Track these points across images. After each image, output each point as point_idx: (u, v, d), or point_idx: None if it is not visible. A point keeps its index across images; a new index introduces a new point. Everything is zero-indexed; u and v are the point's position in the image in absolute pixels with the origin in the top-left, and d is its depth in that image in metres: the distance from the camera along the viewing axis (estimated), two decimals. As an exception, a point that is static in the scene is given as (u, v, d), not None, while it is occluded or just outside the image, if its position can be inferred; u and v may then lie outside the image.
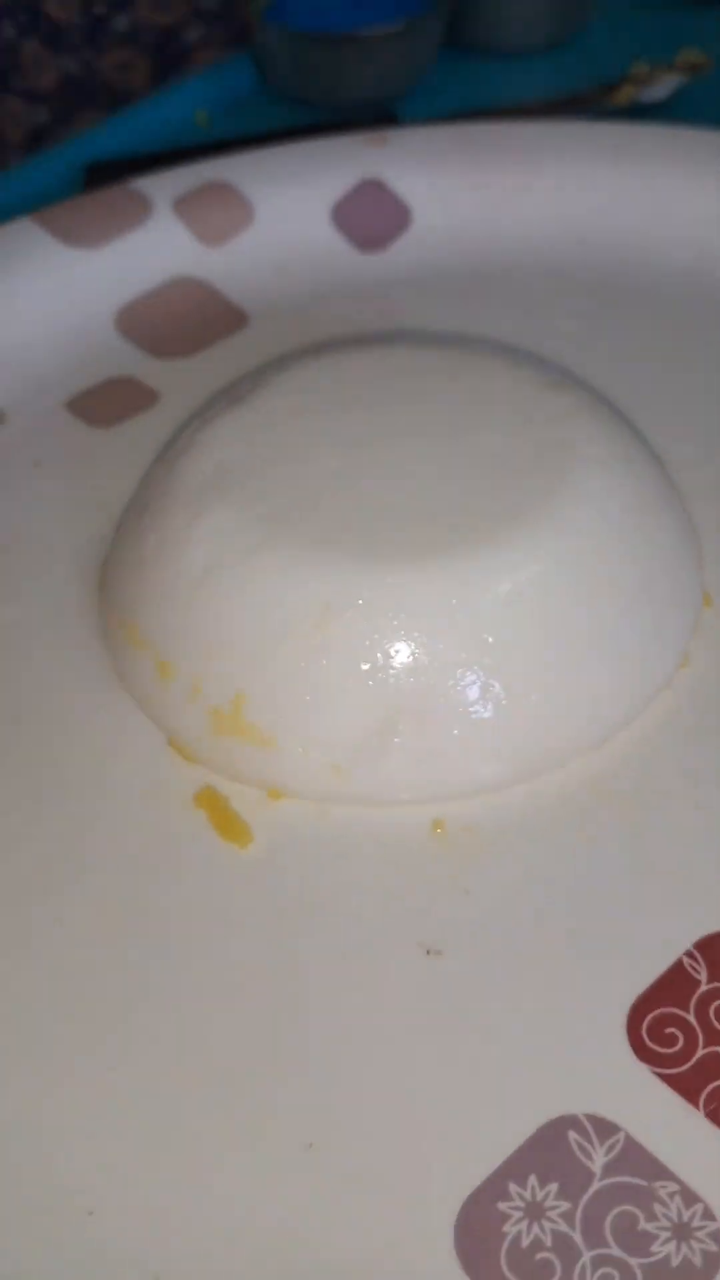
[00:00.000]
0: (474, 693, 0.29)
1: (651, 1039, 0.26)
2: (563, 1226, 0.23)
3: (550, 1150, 0.24)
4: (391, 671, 0.29)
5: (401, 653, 0.29)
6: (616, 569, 0.31)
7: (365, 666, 0.29)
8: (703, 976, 0.26)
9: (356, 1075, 0.26)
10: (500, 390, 0.34)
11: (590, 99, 0.58)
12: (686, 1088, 0.25)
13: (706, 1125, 0.25)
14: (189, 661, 0.31)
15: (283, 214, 0.48)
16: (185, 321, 0.45)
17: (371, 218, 0.48)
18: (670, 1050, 0.26)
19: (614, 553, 0.31)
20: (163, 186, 0.48)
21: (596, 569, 0.30)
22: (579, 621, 0.30)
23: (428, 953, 0.27)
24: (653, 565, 0.32)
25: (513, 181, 0.48)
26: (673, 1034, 0.26)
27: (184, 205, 0.48)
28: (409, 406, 0.33)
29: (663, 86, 0.57)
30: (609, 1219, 0.23)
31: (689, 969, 0.27)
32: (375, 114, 0.58)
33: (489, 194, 0.48)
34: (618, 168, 0.48)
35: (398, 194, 0.48)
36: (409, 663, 0.29)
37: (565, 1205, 0.24)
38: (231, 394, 0.35)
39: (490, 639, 0.29)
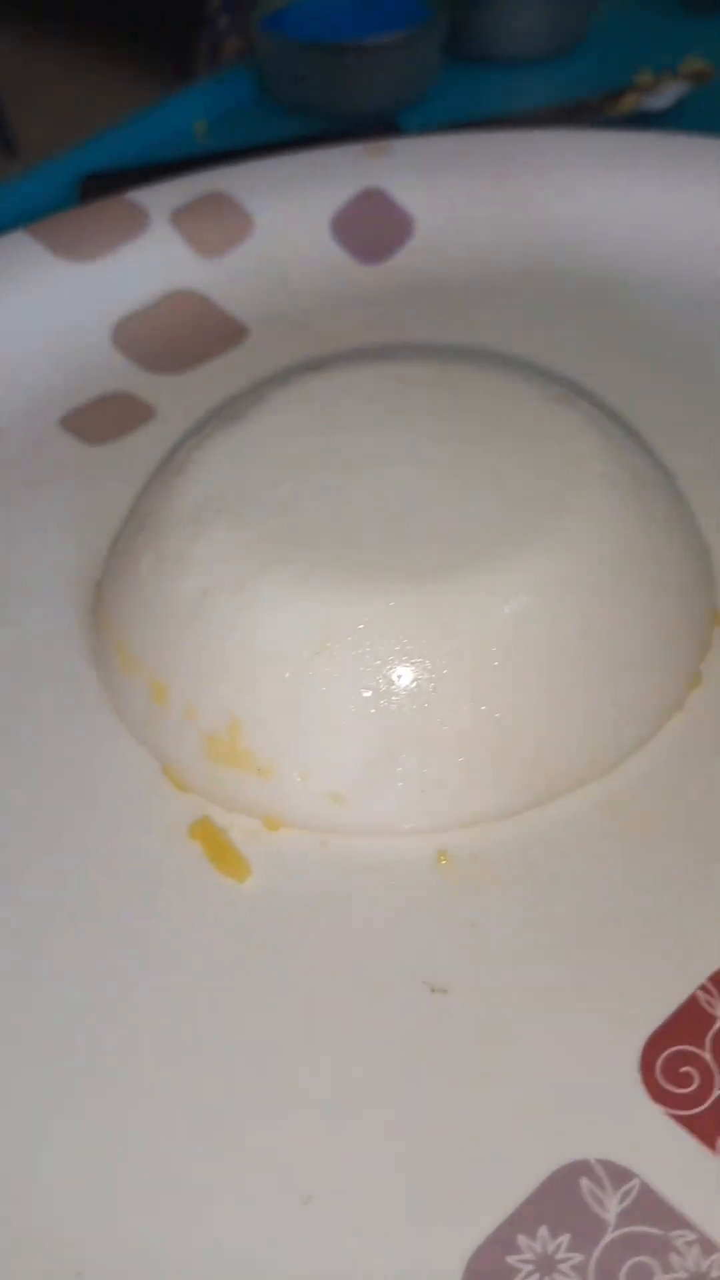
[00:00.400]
0: (478, 719, 0.28)
1: (666, 1079, 0.25)
2: (575, 1281, 0.22)
3: (561, 1198, 0.23)
4: (393, 698, 0.28)
5: (403, 678, 0.28)
6: (625, 588, 0.30)
7: (366, 693, 0.28)
8: (719, 1011, 0.25)
9: (357, 1122, 0.24)
10: (504, 405, 0.33)
11: (594, 108, 0.57)
12: (703, 1130, 0.24)
13: (724, 1171, 0.23)
14: (184, 686, 0.30)
15: (282, 225, 0.47)
16: (182, 336, 0.44)
17: (372, 228, 0.47)
18: (686, 1090, 0.24)
19: (622, 572, 0.30)
20: (159, 198, 0.47)
21: (604, 589, 0.29)
22: (586, 643, 0.29)
23: (432, 990, 0.26)
24: (663, 583, 0.31)
25: (515, 191, 0.47)
26: (688, 1073, 0.25)
27: (181, 217, 0.47)
28: (411, 423, 0.32)
29: (666, 95, 0.56)
30: (623, 1271, 0.22)
31: (704, 1004, 0.25)
32: (377, 124, 0.57)
33: (492, 204, 0.47)
34: (621, 176, 0.46)
35: (399, 204, 0.47)
36: (411, 688, 0.28)
37: (578, 1257, 0.22)
38: (229, 411, 0.34)
39: (495, 663, 0.28)
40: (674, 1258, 0.22)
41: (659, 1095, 0.24)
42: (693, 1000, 0.25)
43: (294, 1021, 0.26)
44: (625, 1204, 0.23)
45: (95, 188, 0.53)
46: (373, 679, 0.28)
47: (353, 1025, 0.26)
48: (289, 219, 0.47)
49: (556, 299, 0.45)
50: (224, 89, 0.61)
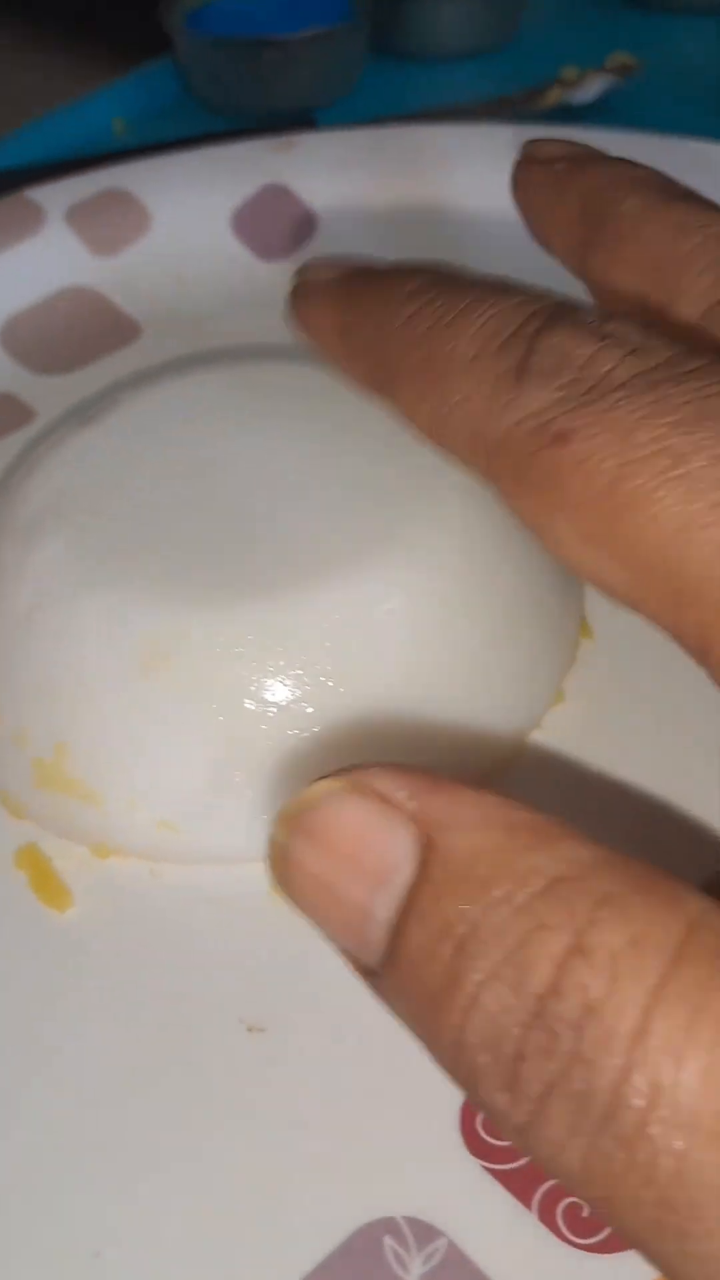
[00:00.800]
0: (313, 741, 0.26)
1: (487, 1130, 0.23)
2: None
3: (362, 1259, 0.21)
4: (223, 719, 0.26)
5: (235, 698, 0.26)
6: (480, 601, 0.28)
7: (195, 714, 0.26)
8: (548, 1057, 0.23)
9: (157, 1171, 0.23)
10: (372, 411, 0.31)
11: (517, 103, 0.55)
12: (520, 1187, 0.22)
13: (538, 1229, 0.22)
14: (13, 708, 0.28)
15: (181, 221, 0.45)
16: (73, 335, 0.43)
17: (274, 225, 0.46)
18: (506, 1143, 0.23)
19: (478, 584, 0.28)
20: (56, 195, 0.45)
21: (456, 602, 0.28)
22: (435, 660, 0.27)
23: (250, 1030, 0.24)
24: (524, 596, 0.29)
25: (420, 187, 0.45)
26: (509, 1124, 0.23)
27: (77, 214, 0.45)
28: (270, 427, 0.30)
29: (591, 89, 0.54)
30: (422, 1339, 0.21)
31: (533, 1048, 0.24)
32: (296, 121, 0.55)
33: (396, 200, 0.45)
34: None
35: (302, 200, 0.46)
36: (243, 709, 0.26)
37: (373, 1325, 0.21)
38: (82, 413, 0.32)
39: (330, 683, 0.26)
40: (478, 1324, 0.21)
41: (477, 1148, 0.23)
42: (521, 1043, 0.24)
43: (101, 1062, 0.24)
44: (430, 1265, 0.21)
45: (4, 185, 0.52)
46: (202, 700, 0.26)
47: (164, 1066, 0.24)
48: (189, 215, 0.45)
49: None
50: (145, 86, 0.59)
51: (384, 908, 0.14)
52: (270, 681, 0.26)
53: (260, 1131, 0.23)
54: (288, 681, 0.26)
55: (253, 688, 0.26)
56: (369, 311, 0.20)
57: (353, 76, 0.57)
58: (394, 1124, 0.23)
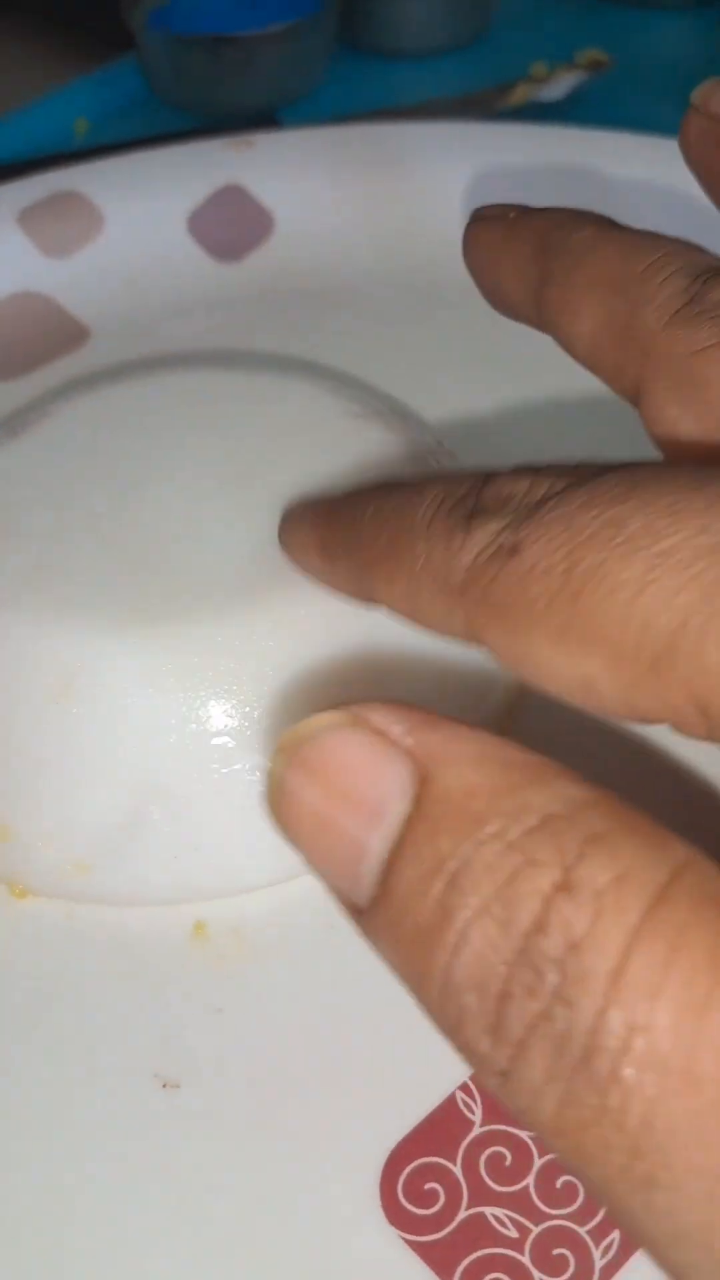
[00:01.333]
0: (242, 772, 0.24)
1: (408, 1197, 0.21)
2: None
3: (270, 1343, 0.20)
4: (142, 751, 0.24)
5: (151, 730, 0.24)
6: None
7: (110, 747, 0.24)
8: (477, 1116, 0.22)
9: (52, 1242, 0.21)
10: (308, 422, 0.29)
11: (485, 100, 0.53)
12: (440, 1259, 0.20)
13: (461, 1309, 0.20)
14: None
15: (135, 223, 0.43)
16: (20, 339, 0.41)
17: (230, 226, 0.44)
18: (427, 1211, 0.21)
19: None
20: (7, 197, 0.43)
21: (391, 628, 0.26)
22: (362, 689, 0.25)
23: (164, 1085, 0.23)
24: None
25: (379, 187, 0.43)
26: (433, 1190, 0.21)
27: (29, 216, 0.43)
28: (200, 440, 0.29)
29: (560, 86, 0.52)
30: None
31: (462, 1107, 0.22)
32: (259, 121, 0.53)
33: (355, 200, 0.43)
34: (491, 169, 0.43)
35: (259, 200, 0.44)
36: (161, 742, 0.24)
37: None
38: (9, 424, 0.30)
39: (255, 713, 0.24)
40: None
41: (397, 1217, 0.21)
42: (450, 1103, 0.22)
43: (2, 1115, 0.22)
44: (343, 1349, 0.19)
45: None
46: (119, 732, 0.24)
47: (71, 1123, 0.22)
48: (143, 216, 0.43)
49: (418, 299, 0.41)
50: (108, 85, 0.57)
51: (377, 843, 0.14)
52: (191, 712, 0.24)
53: (169, 1195, 0.21)
54: (210, 713, 0.24)
55: (171, 719, 0.24)
56: (342, 521, 0.21)
57: (318, 73, 0.55)
58: (310, 1191, 0.21)
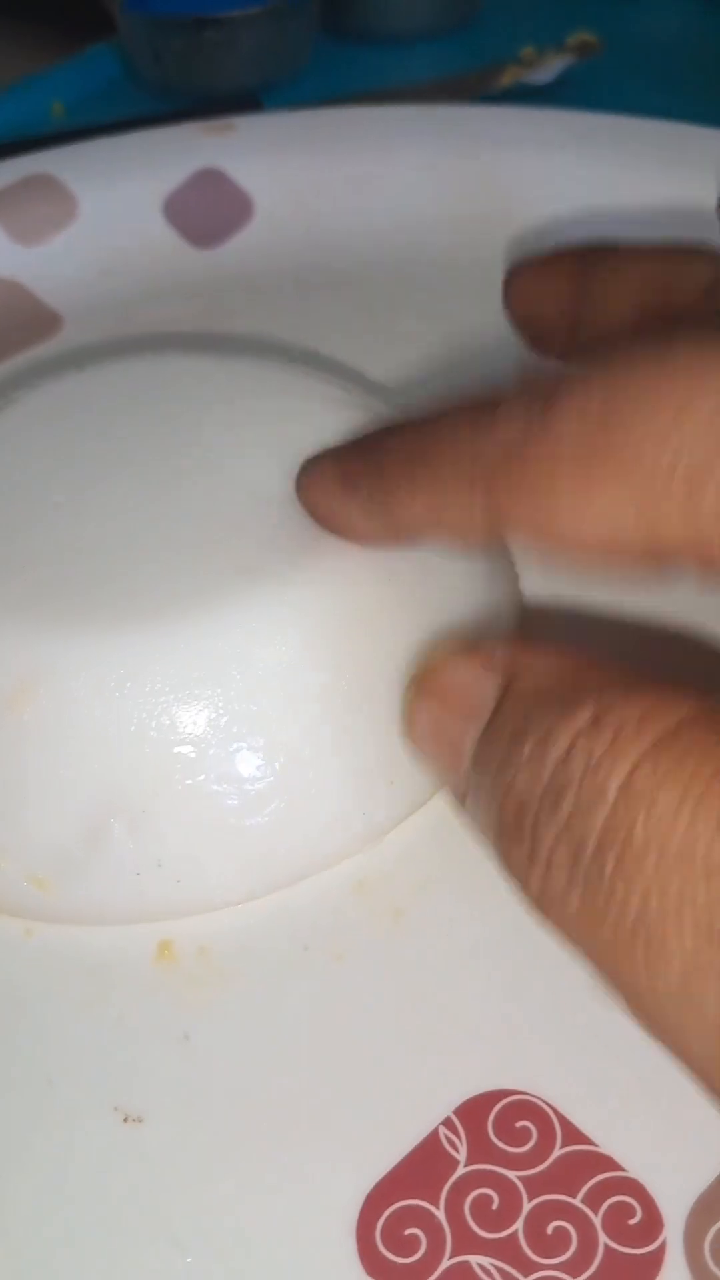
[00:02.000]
0: (207, 783, 0.22)
1: (386, 1244, 0.19)
2: None
3: None
4: (101, 761, 0.22)
5: (114, 737, 0.22)
6: (389, 629, 0.24)
7: (68, 756, 0.22)
8: (462, 1154, 0.20)
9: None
10: (279, 410, 0.27)
11: (473, 83, 0.51)
12: (422, 1315, 0.18)
13: None
14: None
15: (110, 208, 0.41)
16: (-11, 328, 0.39)
17: (208, 210, 0.42)
18: (408, 1260, 0.19)
19: (386, 611, 0.24)
20: (-23, 181, 0.41)
21: (361, 631, 0.24)
22: (343, 692, 0.23)
23: (125, 1120, 0.21)
24: (444, 618, 0.25)
25: (360, 170, 0.41)
26: (414, 1237, 0.19)
27: (0, 201, 0.41)
28: (167, 427, 0.27)
29: (549, 69, 0.50)
30: None
31: (445, 1143, 0.20)
32: (240, 104, 0.51)
33: (335, 184, 0.41)
34: (473, 154, 0.41)
35: (238, 184, 0.42)
36: (124, 750, 0.22)
37: None
38: (-30, 415, 0.28)
39: (225, 718, 0.22)
40: None
41: (374, 1266, 0.19)
42: (432, 1139, 0.20)
43: (-51, 1165, 0.20)
44: None
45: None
46: (76, 740, 0.22)
47: (28, 1161, 0.20)
48: (118, 201, 0.41)
49: (399, 284, 0.39)
50: (87, 69, 0.55)
51: (472, 733, 0.17)
52: (154, 719, 0.22)
53: (128, 1240, 0.19)
54: (176, 719, 0.22)
55: (133, 726, 0.22)
56: (364, 448, 0.22)
57: (301, 56, 0.53)
58: (282, 1238, 0.19)
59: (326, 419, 0.26)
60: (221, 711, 0.22)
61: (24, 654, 0.23)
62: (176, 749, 0.22)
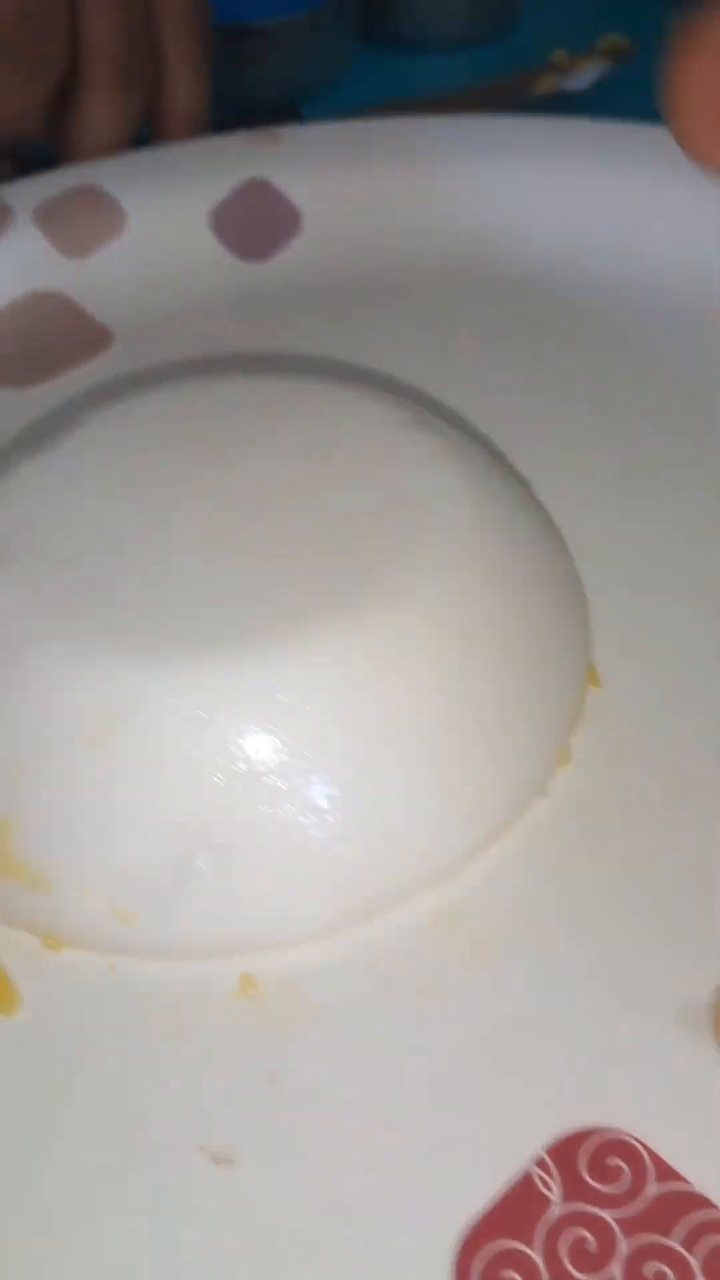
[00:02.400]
0: (291, 817, 0.22)
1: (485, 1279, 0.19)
2: None
3: None
4: (188, 794, 0.22)
5: (199, 770, 0.22)
6: (473, 654, 0.24)
7: (154, 789, 0.22)
8: (555, 1194, 0.20)
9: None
10: (349, 432, 0.27)
11: (511, 90, 0.50)
12: None
13: None
14: (-47, 778, 0.24)
15: (157, 220, 0.41)
16: (39, 343, 0.38)
17: (256, 223, 0.41)
18: (508, 1301, 0.19)
19: (470, 635, 0.24)
20: (24, 193, 0.41)
21: (447, 657, 0.23)
22: (425, 722, 0.23)
23: (215, 1160, 0.20)
24: (522, 645, 0.25)
25: (412, 181, 0.41)
26: (510, 1279, 0.19)
27: (46, 213, 0.40)
28: (243, 453, 0.26)
29: (585, 75, 0.50)
30: None
31: (539, 1184, 0.20)
32: (279, 113, 0.50)
33: (385, 195, 0.41)
34: (525, 166, 0.40)
35: (286, 196, 0.41)
36: (209, 782, 0.22)
37: None
38: (37, 435, 0.28)
39: (308, 751, 0.22)
40: None
41: (475, 1309, 0.19)
42: (525, 1181, 0.20)
43: (41, 1198, 0.20)
44: None
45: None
46: (162, 772, 0.22)
47: (116, 1204, 0.20)
48: (165, 213, 0.41)
49: (454, 300, 0.38)
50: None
51: None
52: (240, 750, 0.22)
53: (224, 1287, 0.19)
54: (260, 750, 0.22)
55: (219, 758, 0.22)
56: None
57: (340, 65, 0.52)
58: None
59: (399, 442, 0.26)
60: (305, 742, 0.22)
61: (111, 686, 0.22)
62: (261, 780, 0.22)
